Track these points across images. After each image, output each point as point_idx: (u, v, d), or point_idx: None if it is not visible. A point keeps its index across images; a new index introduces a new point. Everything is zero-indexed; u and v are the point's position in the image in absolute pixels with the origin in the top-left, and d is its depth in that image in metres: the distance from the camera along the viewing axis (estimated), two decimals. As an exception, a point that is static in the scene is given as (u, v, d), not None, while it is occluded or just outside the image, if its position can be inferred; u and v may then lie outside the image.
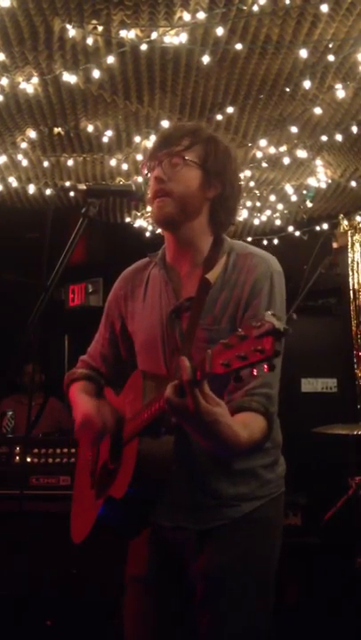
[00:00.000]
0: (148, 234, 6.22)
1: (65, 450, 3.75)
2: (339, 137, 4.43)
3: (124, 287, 2.09)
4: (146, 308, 2.00)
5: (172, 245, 1.98)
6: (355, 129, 4.35)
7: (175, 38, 3.54)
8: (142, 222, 6.15)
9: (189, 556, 1.91)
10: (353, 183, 5.30)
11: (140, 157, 4.88)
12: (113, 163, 4.97)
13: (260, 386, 1.76)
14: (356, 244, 5.81)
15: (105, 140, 4.65)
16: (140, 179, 5.14)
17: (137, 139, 4.68)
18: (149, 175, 1.94)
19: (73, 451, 3.76)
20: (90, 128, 4.56)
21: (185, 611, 1.94)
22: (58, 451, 3.75)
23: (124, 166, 5.01)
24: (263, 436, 1.74)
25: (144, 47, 3.56)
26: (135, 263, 2.12)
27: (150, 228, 6.19)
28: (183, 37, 3.52)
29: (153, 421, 1.70)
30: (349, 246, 5.82)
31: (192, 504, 1.88)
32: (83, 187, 1.99)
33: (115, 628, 3.38)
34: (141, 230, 6.21)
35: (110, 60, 3.64)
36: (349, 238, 5.83)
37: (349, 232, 5.81)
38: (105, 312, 2.15)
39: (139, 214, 6.08)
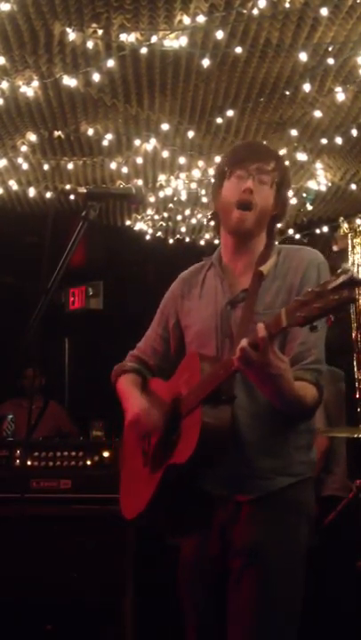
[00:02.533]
0: (147, 237, 6.22)
1: (65, 453, 3.75)
2: (339, 140, 4.44)
3: (181, 287, 2.28)
4: (202, 303, 2.19)
5: (231, 248, 2.18)
6: (355, 132, 4.36)
7: (175, 42, 3.56)
8: (142, 225, 6.15)
9: (231, 531, 2.02)
10: (353, 186, 5.31)
11: (140, 160, 4.89)
12: (113, 166, 4.98)
13: (313, 362, 2.00)
14: (357, 247, 5.81)
15: (105, 143, 4.65)
16: (139, 182, 5.15)
17: (137, 142, 4.68)
18: (230, 176, 2.10)
19: (73, 454, 3.75)
20: (90, 131, 4.57)
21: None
22: (58, 454, 3.74)
23: (124, 169, 5.01)
24: (314, 404, 1.97)
25: (144, 51, 3.57)
26: (192, 266, 2.32)
27: (150, 231, 6.19)
28: (183, 41, 3.53)
29: (219, 387, 1.89)
30: (350, 249, 5.82)
31: (228, 472, 1.98)
32: (83, 190, 2.03)
33: (114, 632, 3.37)
34: (141, 233, 6.20)
35: (110, 63, 3.65)
36: (350, 241, 5.82)
37: (350, 235, 5.80)
38: (160, 310, 2.33)
39: (139, 217, 6.08)
